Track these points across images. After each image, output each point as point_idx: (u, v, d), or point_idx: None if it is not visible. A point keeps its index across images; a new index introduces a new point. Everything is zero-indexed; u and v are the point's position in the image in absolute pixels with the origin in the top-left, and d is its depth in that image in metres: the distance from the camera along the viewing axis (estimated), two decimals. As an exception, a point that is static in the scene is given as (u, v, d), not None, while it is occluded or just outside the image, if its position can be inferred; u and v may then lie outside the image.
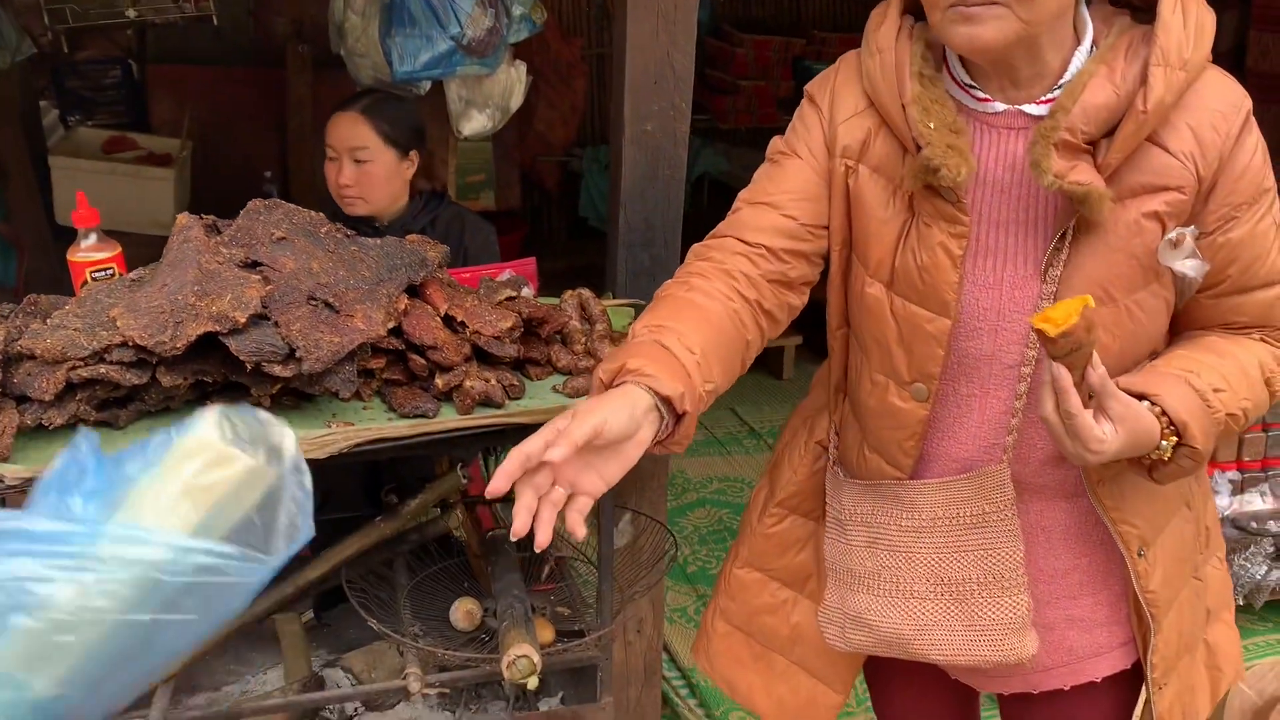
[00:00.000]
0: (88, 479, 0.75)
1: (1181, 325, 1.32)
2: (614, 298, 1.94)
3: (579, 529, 1.06)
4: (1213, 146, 1.19)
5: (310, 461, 1.38)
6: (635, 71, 1.80)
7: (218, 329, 1.34)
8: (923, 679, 1.54)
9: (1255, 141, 1.22)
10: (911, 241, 1.28)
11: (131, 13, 2.60)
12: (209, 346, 1.36)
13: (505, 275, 1.87)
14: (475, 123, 2.71)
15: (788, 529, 1.55)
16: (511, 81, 2.67)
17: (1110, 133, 1.18)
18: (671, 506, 3.49)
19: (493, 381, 1.51)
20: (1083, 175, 1.16)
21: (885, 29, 1.28)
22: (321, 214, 1.64)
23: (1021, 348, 1.28)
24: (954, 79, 1.28)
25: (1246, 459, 2.87)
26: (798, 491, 1.54)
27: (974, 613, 1.35)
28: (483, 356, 1.56)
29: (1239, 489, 2.89)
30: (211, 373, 1.39)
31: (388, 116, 2.34)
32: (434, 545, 1.82)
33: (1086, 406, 1.15)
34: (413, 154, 2.39)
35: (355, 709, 1.82)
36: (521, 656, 1.52)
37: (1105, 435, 1.15)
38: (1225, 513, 2.85)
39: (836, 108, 1.34)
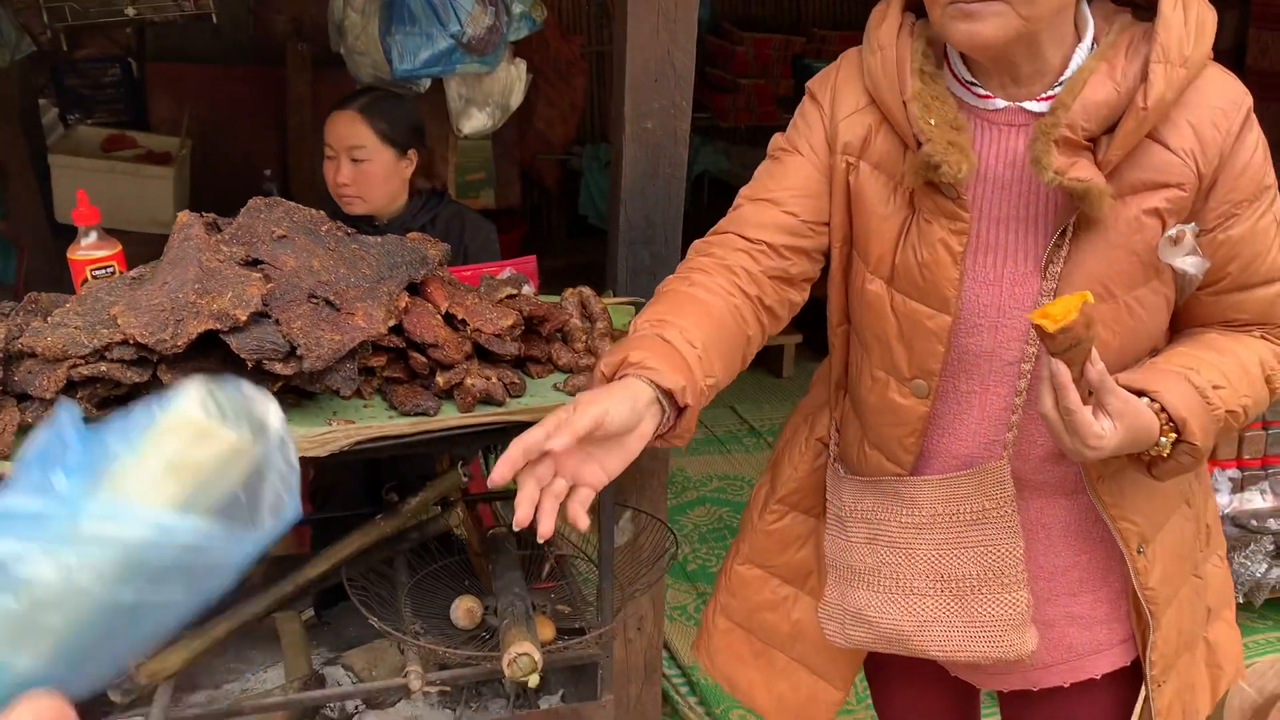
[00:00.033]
0: (70, 454, 0.74)
1: (1182, 322, 1.33)
2: (614, 296, 1.94)
3: (581, 520, 1.06)
4: (1213, 143, 1.19)
5: (311, 459, 1.40)
6: (636, 69, 1.80)
7: (219, 327, 1.34)
8: (923, 677, 1.54)
9: (1256, 139, 1.22)
10: (912, 238, 1.28)
11: (131, 11, 2.59)
12: (210, 344, 1.36)
13: (506, 273, 1.87)
14: (475, 121, 2.70)
15: (788, 526, 1.55)
16: (511, 79, 2.67)
17: (1111, 130, 1.18)
18: (672, 504, 3.49)
19: (493, 379, 1.51)
20: (1083, 172, 1.16)
21: (886, 26, 1.28)
22: (322, 212, 1.64)
23: (1022, 344, 1.28)
24: (955, 76, 1.28)
25: (1247, 457, 2.87)
26: (798, 488, 1.54)
27: (974, 609, 1.35)
28: (483, 354, 1.56)
29: (1239, 487, 2.89)
30: (212, 370, 1.39)
31: (385, 115, 2.33)
32: (435, 543, 1.82)
33: (1086, 403, 1.15)
34: (411, 153, 2.38)
35: (356, 707, 1.82)
36: (523, 654, 1.52)
37: (1104, 431, 1.15)
38: (1225, 510, 2.85)
39: (838, 104, 1.34)
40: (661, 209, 1.91)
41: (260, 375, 1.38)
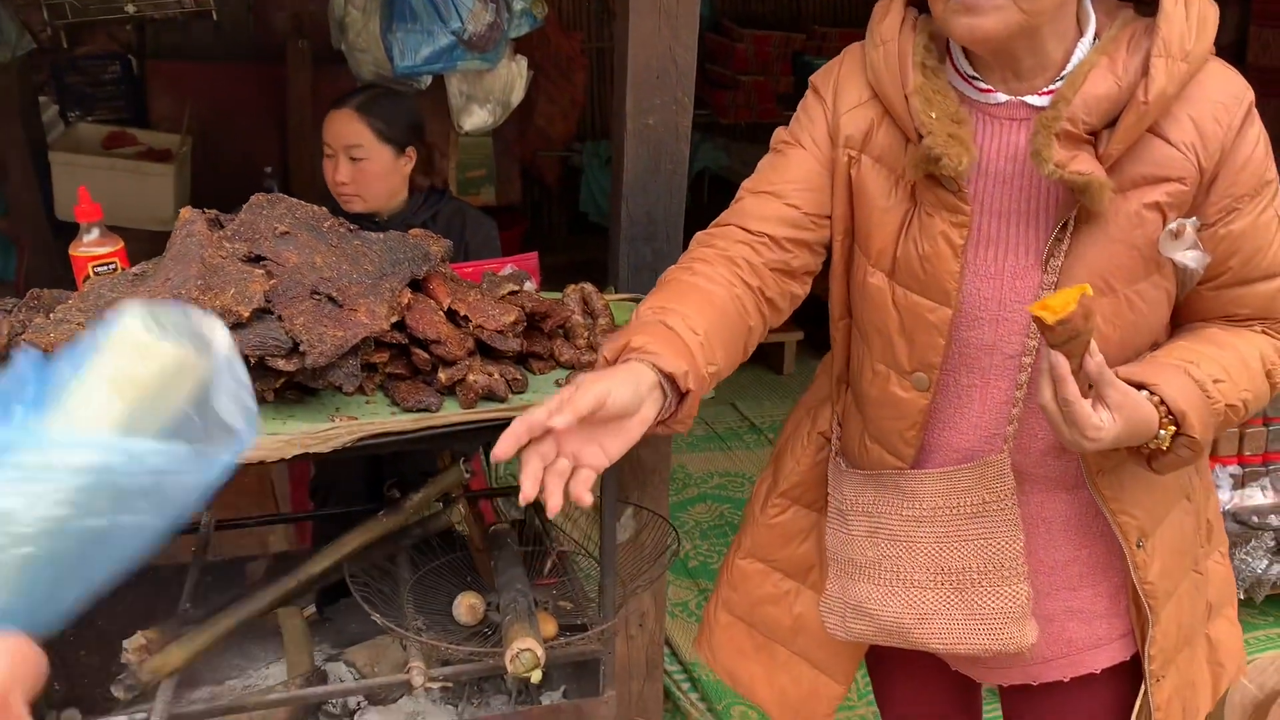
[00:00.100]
0: (27, 388, 0.75)
1: (1183, 317, 1.33)
2: (616, 292, 1.94)
3: (585, 497, 1.07)
4: (1214, 138, 1.19)
5: (313, 455, 1.40)
6: (637, 66, 1.81)
7: (221, 323, 1.34)
8: (924, 671, 1.55)
9: (1257, 133, 1.22)
10: (913, 231, 1.29)
11: (131, 8, 2.59)
12: (212, 340, 1.36)
13: (508, 270, 1.87)
14: (476, 118, 2.70)
15: (790, 520, 1.56)
16: (512, 76, 2.67)
17: (1112, 124, 1.18)
18: (673, 501, 3.49)
19: (495, 376, 1.51)
20: (1084, 165, 1.17)
21: (889, 20, 1.29)
22: (324, 208, 1.64)
23: (1022, 338, 1.28)
24: (957, 70, 1.28)
25: (1247, 453, 2.87)
26: (800, 482, 1.54)
27: (974, 602, 1.35)
28: (486, 351, 1.56)
29: (1240, 483, 2.90)
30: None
31: (383, 113, 2.31)
32: (436, 540, 1.83)
33: (1085, 395, 1.15)
34: (409, 150, 2.36)
35: (358, 703, 1.82)
36: (525, 650, 1.52)
37: (1102, 423, 1.15)
38: (1226, 507, 2.85)
39: (840, 98, 1.34)
40: (663, 205, 1.91)
41: (263, 371, 1.38)
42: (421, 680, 1.57)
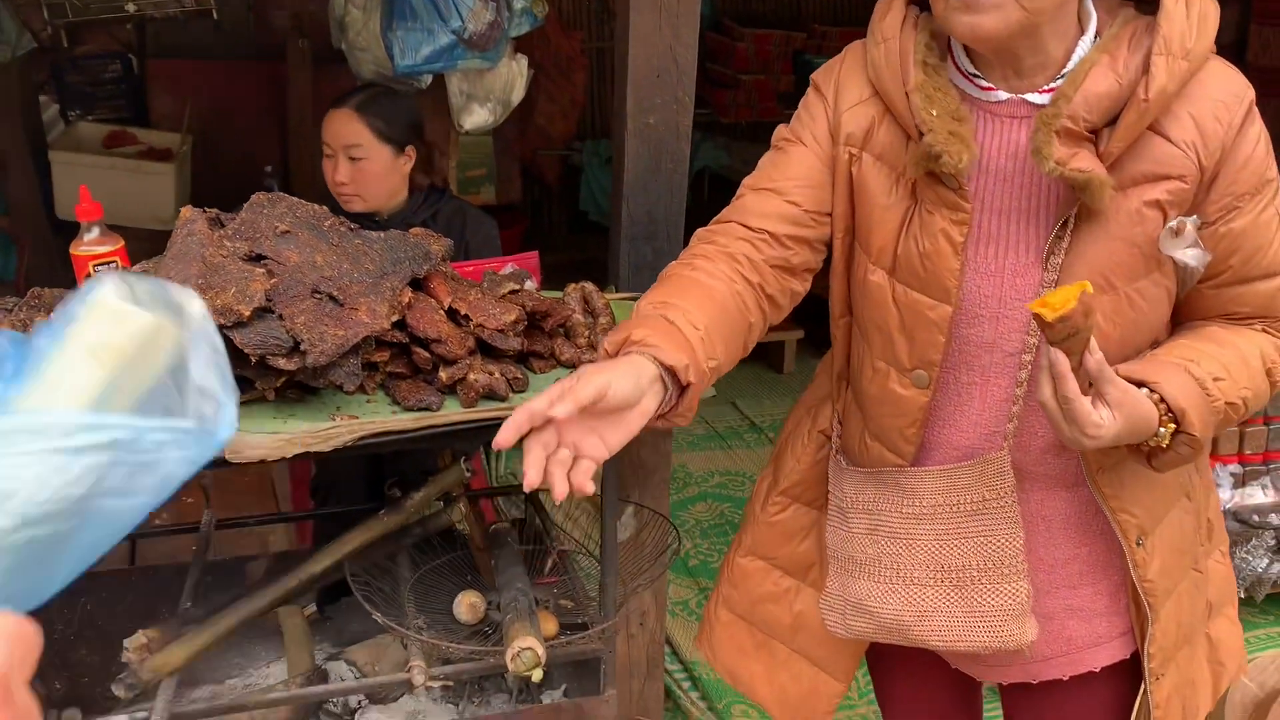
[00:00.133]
0: (7, 364, 0.74)
1: (1183, 315, 1.33)
2: (617, 291, 1.94)
3: (587, 486, 1.07)
4: (1215, 136, 1.20)
5: (314, 454, 1.40)
6: (638, 65, 1.81)
7: (222, 322, 1.34)
8: (924, 668, 1.55)
9: (1258, 132, 1.22)
10: (914, 228, 1.29)
11: (131, 7, 2.60)
12: (213, 339, 1.36)
13: (509, 269, 1.87)
14: (476, 117, 2.71)
15: (791, 517, 1.56)
16: (513, 75, 2.67)
17: (1112, 122, 1.18)
18: (673, 500, 3.49)
19: (496, 374, 1.51)
20: (1084, 163, 1.17)
21: (890, 18, 1.29)
22: (325, 207, 1.64)
23: (1023, 335, 1.28)
24: (958, 68, 1.29)
25: (1248, 452, 2.87)
26: (801, 480, 1.54)
27: (974, 599, 1.35)
28: (486, 350, 1.56)
29: (1240, 482, 2.90)
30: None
31: (382, 113, 2.31)
32: (437, 538, 1.83)
33: (1085, 392, 1.15)
34: (409, 149, 2.35)
35: (359, 702, 1.82)
36: (526, 649, 1.52)
37: (1102, 420, 1.15)
38: (1227, 506, 2.85)
39: (841, 96, 1.34)
40: (663, 204, 1.91)
41: (264, 370, 1.38)
42: (422, 679, 1.57)
